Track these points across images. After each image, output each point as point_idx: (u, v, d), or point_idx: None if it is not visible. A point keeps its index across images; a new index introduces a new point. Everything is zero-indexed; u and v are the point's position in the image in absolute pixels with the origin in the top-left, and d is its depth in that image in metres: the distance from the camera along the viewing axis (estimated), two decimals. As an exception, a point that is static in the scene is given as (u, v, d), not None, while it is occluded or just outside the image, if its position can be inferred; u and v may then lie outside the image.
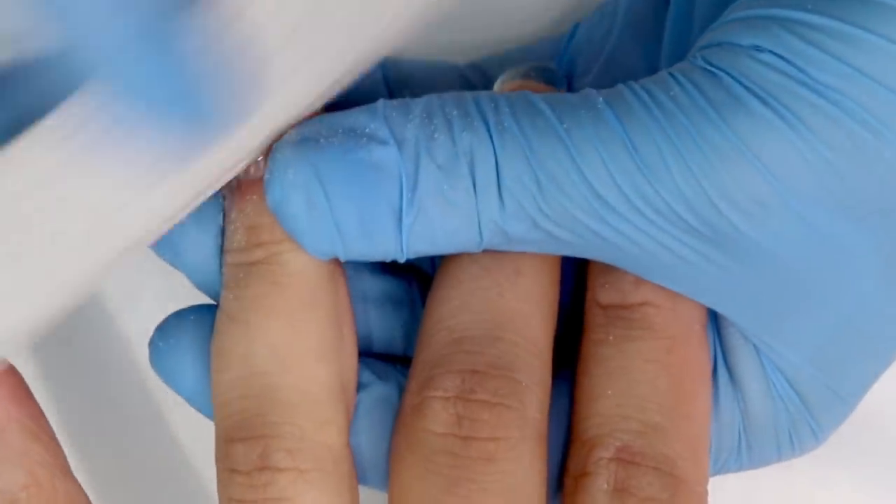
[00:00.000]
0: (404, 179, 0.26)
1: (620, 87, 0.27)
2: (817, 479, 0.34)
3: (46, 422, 0.28)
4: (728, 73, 0.26)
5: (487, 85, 0.33)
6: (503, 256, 0.28)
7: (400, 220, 0.26)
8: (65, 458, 0.28)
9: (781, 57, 0.25)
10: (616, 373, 0.28)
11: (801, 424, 0.29)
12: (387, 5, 0.25)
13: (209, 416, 0.28)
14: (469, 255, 0.28)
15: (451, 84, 0.33)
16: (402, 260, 0.27)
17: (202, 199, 0.27)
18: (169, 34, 0.22)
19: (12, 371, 0.28)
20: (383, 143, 0.26)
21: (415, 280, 0.31)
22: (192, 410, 0.29)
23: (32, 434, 0.27)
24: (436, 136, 0.26)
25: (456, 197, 0.26)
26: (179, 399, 0.29)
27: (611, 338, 0.28)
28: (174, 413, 0.36)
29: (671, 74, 0.26)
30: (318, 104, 0.27)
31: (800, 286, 0.27)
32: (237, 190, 0.28)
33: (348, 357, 0.28)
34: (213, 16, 0.23)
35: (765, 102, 0.25)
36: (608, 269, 0.29)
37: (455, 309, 0.28)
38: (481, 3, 0.35)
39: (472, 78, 0.33)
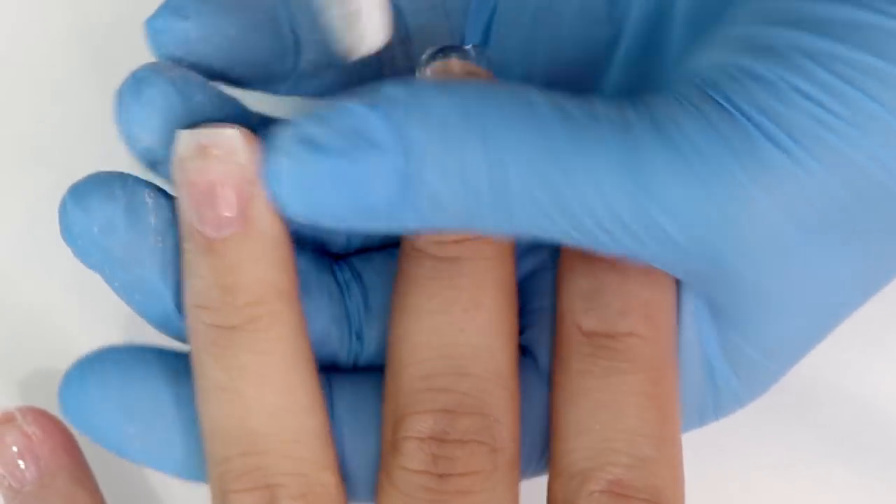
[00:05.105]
0: (396, 181, 0.26)
1: (623, 102, 0.26)
2: (818, 478, 0.34)
3: (90, 471, 0.31)
4: (743, 114, 0.25)
5: None
6: (461, 290, 0.28)
7: (392, 216, 0.26)
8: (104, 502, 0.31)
9: (806, 95, 0.25)
10: (603, 406, 0.28)
11: (729, 398, 0.29)
12: None
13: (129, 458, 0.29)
14: (426, 289, 0.28)
15: None
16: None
17: None
18: None
19: (62, 424, 0.30)
20: (382, 149, 0.26)
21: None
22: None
23: (78, 481, 0.30)
24: (431, 145, 0.26)
25: (448, 203, 0.26)
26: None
27: (596, 369, 0.28)
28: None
29: (678, 101, 0.26)
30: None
31: (772, 302, 0.27)
32: (207, 245, 0.27)
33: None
34: None
35: (782, 147, 0.25)
36: (592, 293, 0.29)
37: (418, 346, 0.28)
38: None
39: None
